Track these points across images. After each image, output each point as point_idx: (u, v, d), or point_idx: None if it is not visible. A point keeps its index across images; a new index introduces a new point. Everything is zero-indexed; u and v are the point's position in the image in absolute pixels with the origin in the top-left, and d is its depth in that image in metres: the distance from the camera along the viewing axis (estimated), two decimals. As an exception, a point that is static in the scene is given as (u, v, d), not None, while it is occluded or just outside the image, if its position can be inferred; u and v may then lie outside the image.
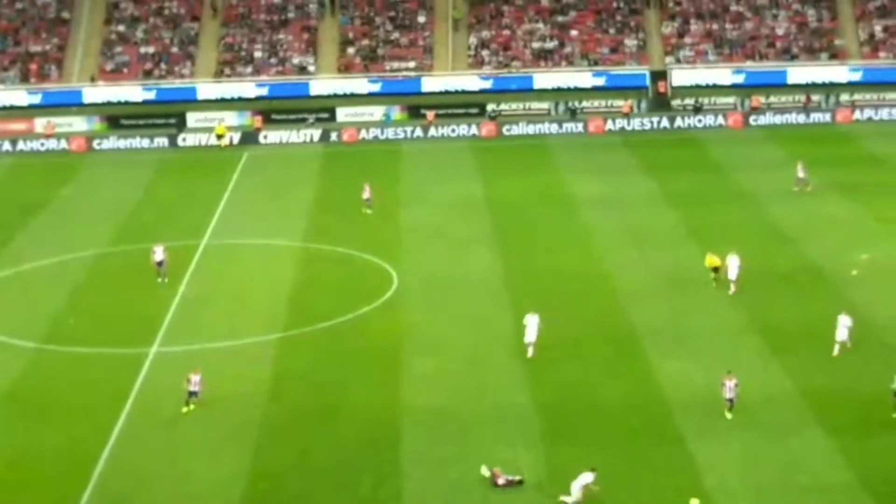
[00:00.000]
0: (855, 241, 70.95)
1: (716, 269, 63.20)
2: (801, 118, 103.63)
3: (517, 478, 45.18)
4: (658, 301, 62.70)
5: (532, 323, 55.90)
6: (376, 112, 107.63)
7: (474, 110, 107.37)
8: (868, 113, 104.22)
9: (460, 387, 53.54)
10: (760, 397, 51.21)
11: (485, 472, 45.51)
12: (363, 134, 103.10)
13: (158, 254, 67.98)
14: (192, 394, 51.61)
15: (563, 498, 43.31)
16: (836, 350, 53.69)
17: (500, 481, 45.01)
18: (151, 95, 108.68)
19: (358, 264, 70.52)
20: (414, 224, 77.84)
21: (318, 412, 51.74)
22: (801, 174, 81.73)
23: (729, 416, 49.19)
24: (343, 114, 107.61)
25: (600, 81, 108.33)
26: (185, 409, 51.46)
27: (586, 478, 43.11)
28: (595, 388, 53.09)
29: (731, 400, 49.27)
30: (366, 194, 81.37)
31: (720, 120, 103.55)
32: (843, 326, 54.16)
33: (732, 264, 62.68)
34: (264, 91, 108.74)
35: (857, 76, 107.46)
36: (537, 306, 57.72)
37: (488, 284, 66.30)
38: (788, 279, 65.55)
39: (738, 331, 58.72)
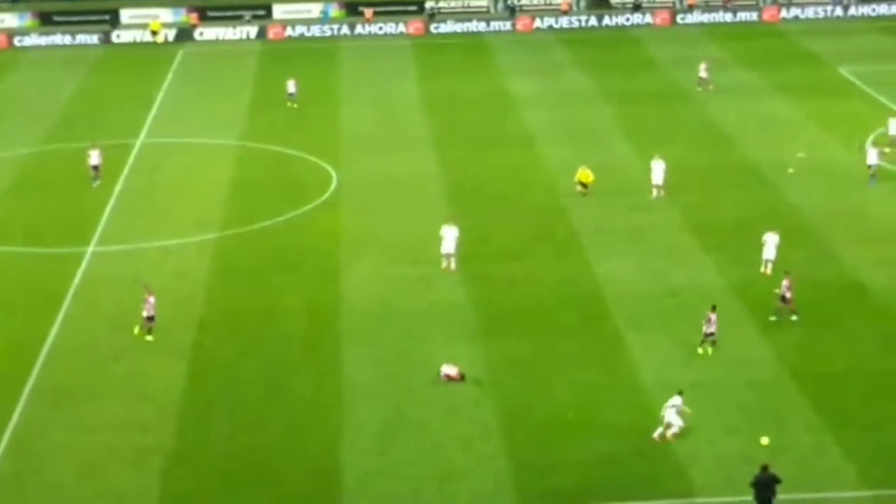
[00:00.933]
0: (791, 139, 71.44)
1: (584, 185, 62.57)
2: (729, 17, 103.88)
3: (460, 372, 45.59)
4: (595, 199, 62.95)
5: (450, 235, 54.95)
6: (314, 9, 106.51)
7: (413, 8, 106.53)
8: (794, 11, 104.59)
9: (399, 285, 53.72)
10: (694, 294, 51.78)
11: (443, 372, 45.85)
12: (301, 31, 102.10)
13: (94, 158, 66.58)
14: (149, 318, 49.19)
15: (664, 432, 41.27)
16: (764, 268, 53.05)
17: (453, 373, 45.36)
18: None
19: (296, 164, 70.19)
20: (353, 123, 77.48)
21: (257, 312, 51.77)
22: (703, 74, 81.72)
23: (710, 350, 47.14)
24: (280, 11, 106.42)
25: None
26: (146, 337, 49.08)
27: (676, 401, 41.65)
28: (533, 285, 53.48)
29: (711, 334, 47.03)
30: (291, 89, 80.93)
31: (654, 18, 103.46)
32: (771, 244, 53.38)
33: (657, 169, 62.45)
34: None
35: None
36: (467, 211, 58.01)
37: (427, 184, 66.29)
38: (724, 177, 66.04)
39: (672, 229, 59.19)
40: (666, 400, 42.72)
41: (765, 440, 39.83)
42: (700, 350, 46.74)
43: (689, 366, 46.48)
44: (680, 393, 41.94)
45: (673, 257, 55.83)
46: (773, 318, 49.32)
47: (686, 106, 79.06)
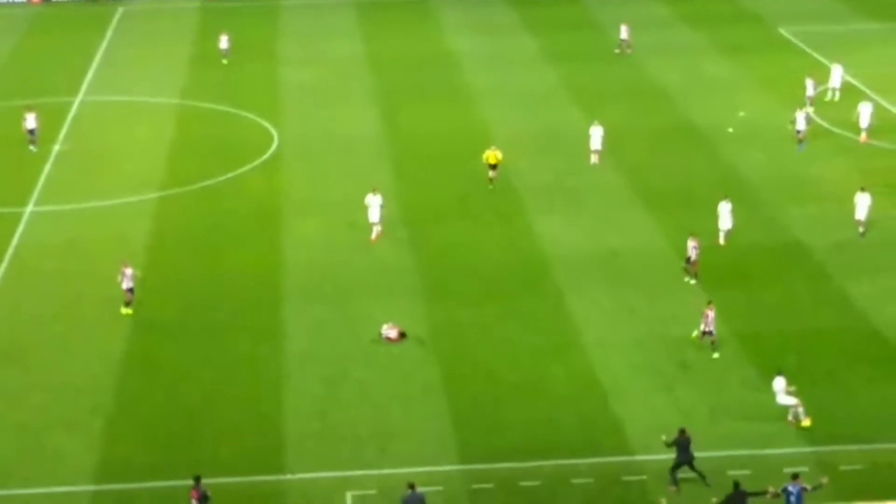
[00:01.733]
0: (733, 98, 71.71)
1: (493, 166, 58.80)
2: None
3: (400, 332, 45.57)
4: (538, 161, 62.99)
5: (374, 203, 53.91)
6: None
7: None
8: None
9: (341, 246, 53.57)
10: (636, 254, 52.05)
11: (383, 332, 45.87)
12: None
13: (30, 121, 64.73)
14: (129, 290, 47.61)
15: (791, 418, 40.17)
16: (721, 238, 52.75)
17: (393, 334, 45.31)
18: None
19: (237, 122, 69.69)
20: (295, 82, 76.96)
21: (198, 272, 51.50)
22: (624, 36, 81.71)
23: (716, 355, 44.57)
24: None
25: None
26: (123, 310, 47.73)
27: (779, 385, 40.27)
28: (475, 246, 53.49)
29: (710, 332, 44.43)
30: (223, 45, 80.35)
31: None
32: (726, 213, 52.78)
33: (595, 134, 61.84)
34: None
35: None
36: (410, 171, 57.90)
37: (369, 144, 66.03)
38: (666, 137, 66.29)
39: (614, 189, 59.36)
40: (604, 359, 43.05)
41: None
42: (716, 355, 44.15)
43: (628, 325, 46.72)
44: (780, 373, 40.64)
45: (614, 219, 56.00)
46: (692, 282, 49.46)
47: (628, 67, 79.07)
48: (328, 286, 50.12)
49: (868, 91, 71.63)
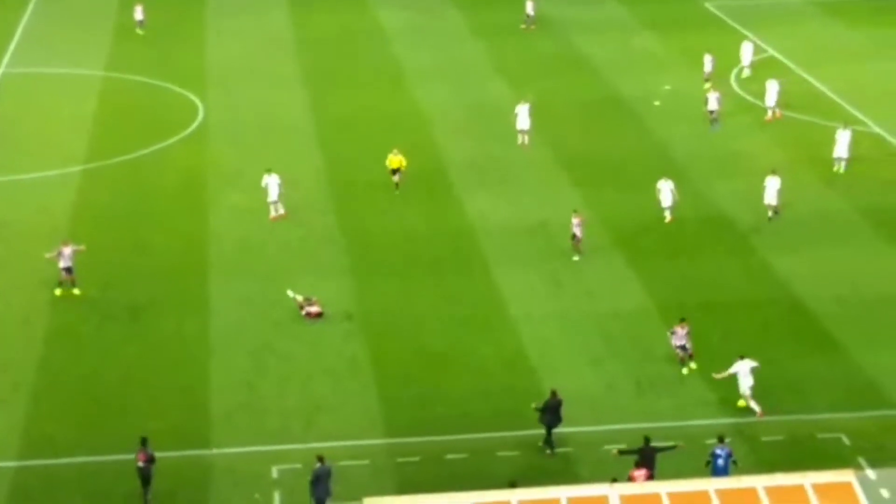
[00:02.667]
0: (659, 72, 72.08)
1: (395, 171, 55.59)
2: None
3: (318, 308, 45.44)
4: (467, 136, 62.98)
5: (272, 182, 53.09)
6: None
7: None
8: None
9: (267, 222, 53.25)
10: (563, 228, 52.14)
11: (290, 294, 45.65)
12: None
13: None
14: (66, 270, 46.54)
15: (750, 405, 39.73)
16: (667, 217, 52.59)
17: (312, 310, 45.18)
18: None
19: (162, 95, 69.04)
20: (221, 55, 76.32)
21: (122, 246, 51.03)
22: (529, 11, 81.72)
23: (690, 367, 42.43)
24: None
25: None
26: (58, 292, 46.73)
27: (744, 366, 39.79)
28: (402, 220, 53.44)
29: (684, 347, 42.31)
30: (138, 16, 79.58)
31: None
32: (667, 191, 52.70)
33: (522, 113, 61.22)
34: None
35: None
36: (336, 147, 57.74)
37: (296, 119, 65.70)
38: (593, 111, 66.54)
39: (543, 163, 59.54)
40: (531, 332, 43.29)
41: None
42: (685, 370, 41.96)
43: (556, 299, 46.96)
44: (741, 357, 39.89)
45: (542, 193, 56.17)
46: (575, 258, 49.56)
47: (557, 41, 79.17)
48: (255, 259, 49.89)
49: (792, 65, 72.38)
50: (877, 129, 63.32)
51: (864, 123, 63.82)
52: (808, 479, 32.26)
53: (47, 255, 46.85)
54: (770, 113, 64.37)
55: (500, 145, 61.59)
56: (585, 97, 68.71)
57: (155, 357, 43.07)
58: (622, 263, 49.47)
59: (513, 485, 33.68)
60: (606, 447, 36.62)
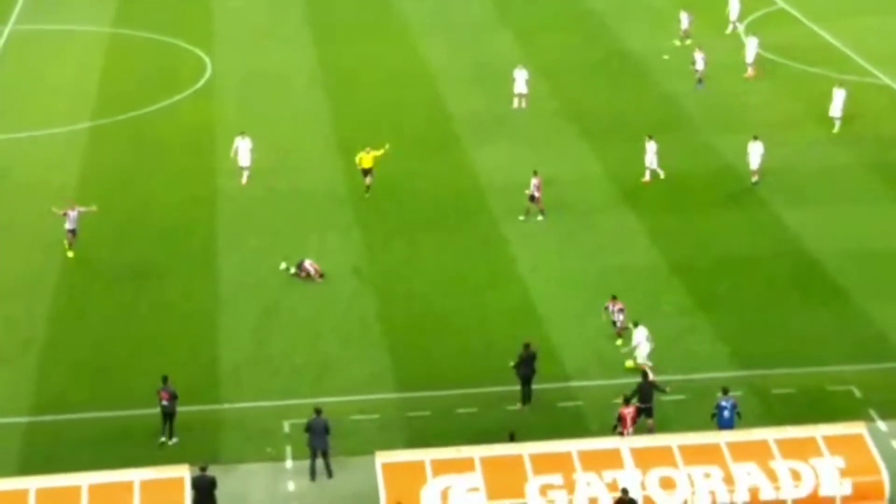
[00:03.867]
0: (665, 26, 71.60)
1: (366, 172, 50.93)
2: None
3: (315, 266, 45.39)
4: (473, 90, 62.73)
5: (244, 147, 51.88)
6: None
7: None
8: None
9: (275, 177, 53.19)
10: (571, 182, 52.12)
11: (283, 266, 45.58)
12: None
13: None
14: (71, 232, 46.33)
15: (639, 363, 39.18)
16: (646, 176, 52.12)
17: (308, 268, 45.13)
18: None
19: (170, 51, 68.83)
20: (228, 11, 75.95)
21: (131, 203, 50.99)
22: None
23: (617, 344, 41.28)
24: None
25: None
26: (71, 254, 46.33)
27: (641, 332, 39.65)
28: (410, 177, 53.23)
29: (615, 323, 41.17)
30: None
31: None
32: (651, 152, 52.17)
33: (520, 77, 60.04)
34: None
35: None
36: (345, 104, 57.44)
37: (303, 74, 65.46)
38: (601, 66, 66.21)
39: (549, 118, 59.35)
40: (539, 287, 43.31)
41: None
42: (619, 342, 40.83)
43: (563, 254, 46.93)
44: (637, 324, 39.56)
45: (550, 148, 55.97)
46: (521, 218, 48.99)
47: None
48: (263, 217, 49.83)
49: (801, 17, 71.96)
50: (887, 81, 63.00)
51: (874, 76, 63.50)
52: (819, 432, 32.43)
53: (54, 210, 46.80)
54: (751, 70, 63.52)
55: (506, 100, 61.30)
56: (593, 51, 68.36)
57: (164, 314, 43.14)
58: (630, 218, 49.38)
59: (512, 436, 33.84)
60: (615, 401, 36.64)
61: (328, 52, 68.64)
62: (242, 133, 52.36)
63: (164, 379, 36.06)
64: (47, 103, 61.52)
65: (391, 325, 42.24)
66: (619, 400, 36.08)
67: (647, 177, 52.31)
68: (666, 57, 66.58)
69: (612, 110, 60.06)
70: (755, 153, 51.64)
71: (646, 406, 35.93)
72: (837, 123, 56.93)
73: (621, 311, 40.55)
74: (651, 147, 52.16)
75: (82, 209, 46.53)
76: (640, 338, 39.35)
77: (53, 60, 67.69)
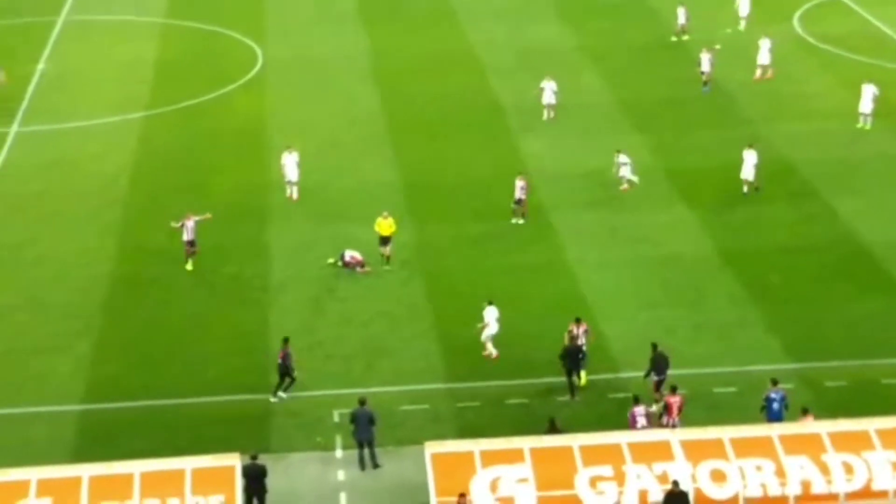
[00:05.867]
0: (717, 13, 71.00)
1: (385, 241, 45.56)
2: None
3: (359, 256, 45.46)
4: (522, 76, 62.53)
5: (290, 161, 49.68)
6: None
7: None
8: None
9: (327, 166, 53.36)
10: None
11: (330, 261, 45.70)
12: None
13: None
14: (189, 243, 45.11)
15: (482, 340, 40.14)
16: (623, 186, 50.90)
17: (348, 259, 45.16)
18: None
19: (222, 41, 69.10)
20: (278, 1, 76.13)
21: (183, 192, 51.19)
22: None
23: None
24: None
25: None
26: (189, 266, 45.16)
27: (491, 312, 39.98)
28: (459, 165, 53.25)
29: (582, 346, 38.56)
30: None
31: None
32: (623, 165, 50.66)
33: (548, 89, 58.11)
34: None
35: None
36: (395, 91, 57.65)
37: (354, 64, 65.49)
38: (651, 53, 65.81)
39: (599, 107, 59.11)
40: (587, 277, 43.28)
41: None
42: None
43: (612, 244, 46.78)
44: (490, 303, 40.27)
45: (598, 137, 55.69)
46: (521, 222, 48.27)
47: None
48: (315, 205, 49.99)
49: (856, 7, 71.26)
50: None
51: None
52: (872, 425, 32.16)
53: (173, 225, 45.55)
54: (759, 72, 61.66)
55: (557, 88, 61.00)
56: (639, 38, 67.92)
57: (216, 302, 43.42)
58: (684, 209, 49.13)
59: (552, 422, 33.85)
60: (664, 392, 36.49)
61: (378, 40, 68.64)
62: (289, 147, 50.88)
63: (285, 340, 37.78)
64: (100, 93, 61.95)
65: (441, 313, 42.29)
66: (647, 380, 36.15)
67: (624, 185, 50.85)
68: (718, 46, 65.80)
69: (663, 99, 59.72)
70: (749, 162, 49.66)
71: (660, 378, 36.13)
72: (869, 120, 55.48)
73: (586, 332, 38.80)
74: (623, 159, 50.74)
75: (198, 218, 45.48)
76: (490, 318, 39.67)
77: (106, 51, 68.09)
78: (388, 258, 45.44)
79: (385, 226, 45.50)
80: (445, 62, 65.10)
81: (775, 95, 59.95)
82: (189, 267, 45.25)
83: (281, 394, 37.68)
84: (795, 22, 68.90)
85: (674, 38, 67.15)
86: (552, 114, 57.70)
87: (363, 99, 60.35)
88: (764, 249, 46.07)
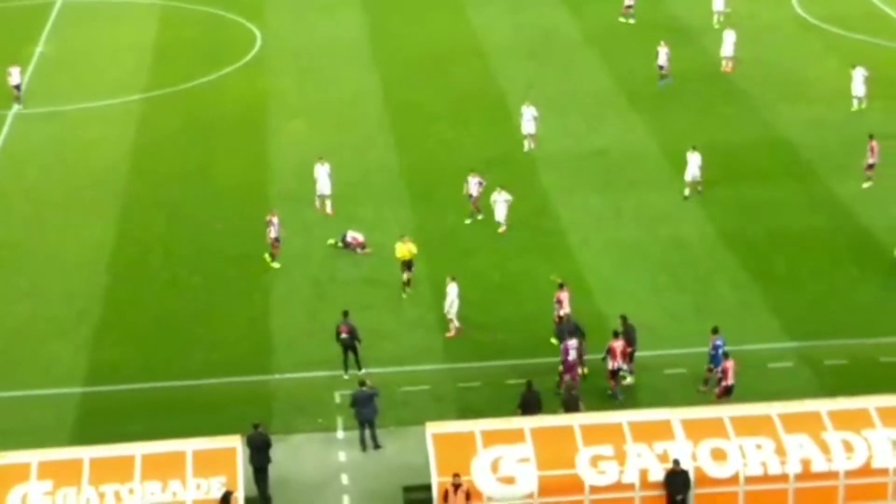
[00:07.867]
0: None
1: (407, 265, 42.77)
2: None
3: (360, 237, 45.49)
4: (527, 63, 62.39)
5: (322, 173, 47.77)
6: None
7: None
8: None
9: (327, 149, 53.20)
10: (624, 154, 51.92)
11: (331, 242, 45.68)
12: None
13: (15, 76, 58.27)
14: (276, 240, 43.94)
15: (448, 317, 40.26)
16: (525, 146, 51.66)
17: (349, 239, 45.22)
18: None
19: (220, 23, 68.99)
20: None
21: (184, 176, 51.27)
22: None
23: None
24: None
25: None
26: (276, 265, 44.01)
27: (453, 289, 40.05)
28: (463, 150, 53.03)
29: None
30: None
31: None
32: (529, 117, 51.96)
33: (527, 114, 53.64)
34: None
35: None
36: (396, 76, 57.35)
37: (353, 47, 65.37)
38: (653, 34, 65.40)
39: (600, 90, 58.99)
40: (591, 259, 43.21)
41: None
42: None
43: (616, 226, 46.74)
44: (453, 278, 40.50)
45: (602, 119, 55.66)
46: (480, 216, 47.21)
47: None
48: (314, 188, 49.84)
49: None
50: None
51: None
52: (871, 403, 32.21)
53: (267, 219, 44.27)
54: (724, 63, 60.56)
55: (561, 72, 61.01)
56: (644, 19, 67.79)
57: (218, 285, 43.39)
58: (680, 189, 49.04)
59: (529, 383, 34.21)
60: (667, 371, 36.55)
61: (379, 23, 68.53)
62: (321, 158, 48.57)
63: (345, 313, 38.06)
64: (100, 75, 61.89)
65: (441, 295, 42.07)
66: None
67: (527, 146, 51.70)
68: (717, 26, 65.75)
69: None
70: (693, 164, 48.45)
71: (632, 349, 36.72)
72: (861, 102, 55.29)
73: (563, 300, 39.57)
74: (529, 111, 51.60)
75: (274, 217, 44.35)
76: (452, 294, 39.81)
77: (105, 33, 68.01)
78: (408, 282, 42.54)
79: (405, 250, 42.54)
80: (449, 46, 64.82)
81: (779, 76, 59.75)
82: (276, 265, 44.16)
83: (356, 371, 37.67)
84: (794, 2, 68.71)
85: (622, 20, 66.63)
86: (533, 144, 53.04)
87: (364, 83, 60.25)
88: (766, 232, 45.98)
